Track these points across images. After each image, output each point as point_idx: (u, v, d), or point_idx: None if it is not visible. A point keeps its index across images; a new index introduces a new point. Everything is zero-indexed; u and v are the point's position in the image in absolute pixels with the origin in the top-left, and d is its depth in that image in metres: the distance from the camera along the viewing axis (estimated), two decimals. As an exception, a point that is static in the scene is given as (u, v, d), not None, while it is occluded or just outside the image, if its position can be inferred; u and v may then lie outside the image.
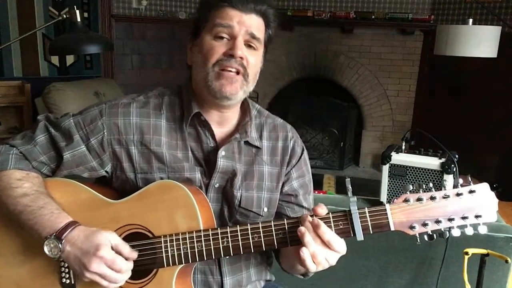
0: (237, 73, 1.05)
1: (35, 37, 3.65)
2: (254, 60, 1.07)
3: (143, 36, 4.32)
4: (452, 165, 1.92)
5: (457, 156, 2.09)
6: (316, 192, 2.77)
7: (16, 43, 3.52)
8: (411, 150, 2.48)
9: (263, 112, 1.22)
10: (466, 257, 1.45)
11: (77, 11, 2.00)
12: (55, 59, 3.82)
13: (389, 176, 2.36)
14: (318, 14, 4.38)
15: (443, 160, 2.18)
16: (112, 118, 1.09)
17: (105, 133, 1.08)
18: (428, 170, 2.11)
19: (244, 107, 1.18)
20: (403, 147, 2.43)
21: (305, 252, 0.94)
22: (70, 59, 3.91)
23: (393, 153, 2.34)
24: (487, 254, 1.45)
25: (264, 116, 1.21)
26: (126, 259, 0.99)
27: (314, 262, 0.95)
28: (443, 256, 1.55)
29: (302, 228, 0.95)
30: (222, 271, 1.13)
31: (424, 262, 1.61)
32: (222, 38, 1.04)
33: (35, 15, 3.62)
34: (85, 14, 3.88)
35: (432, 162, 2.11)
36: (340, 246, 0.95)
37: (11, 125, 3.55)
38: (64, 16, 2.06)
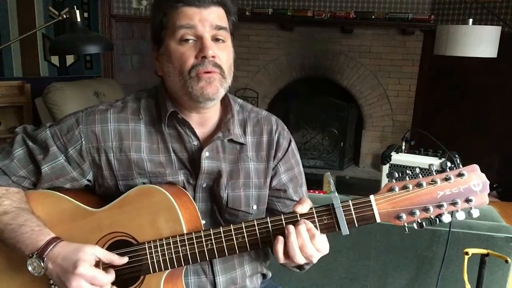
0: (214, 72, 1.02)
1: (35, 37, 3.65)
2: (225, 54, 1.04)
3: (143, 36, 4.31)
4: (452, 165, 1.92)
5: (457, 156, 2.08)
6: (317, 192, 2.77)
7: (16, 43, 3.52)
8: (411, 150, 2.49)
9: (246, 107, 1.19)
10: (466, 257, 1.44)
11: (77, 11, 2.00)
12: (55, 59, 3.82)
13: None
14: (318, 14, 4.37)
15: (443, 160, 2.18)
16: (89, 126, 1.07)
17: (83, 142, 1.07)
18: (428, 170, 2.10)
19: (225, 104, 1.14)
20: (403, 147, 2.43)
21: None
22: (70, 59, 3.91)
23: (393, 153, 2.34)
24: (487, 254, 1.45)
25: (247, 111, 1.18)
26: (118, 266, 1.00)
27: (289, 252, 0.94)
28: (443, 256, 1.55)
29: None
30: (215, 270, 1.12)
31: (424, 262, 1.61)
32: (187, 40, 1.00)
33: (35, 15, 3.62)
34: (85, 14, 3.89)
35: (432, 162, 2.11)
36: (321, 244, 0.95)
37: (11, 125, 3.55)
38: (64, 16, 2.06)
